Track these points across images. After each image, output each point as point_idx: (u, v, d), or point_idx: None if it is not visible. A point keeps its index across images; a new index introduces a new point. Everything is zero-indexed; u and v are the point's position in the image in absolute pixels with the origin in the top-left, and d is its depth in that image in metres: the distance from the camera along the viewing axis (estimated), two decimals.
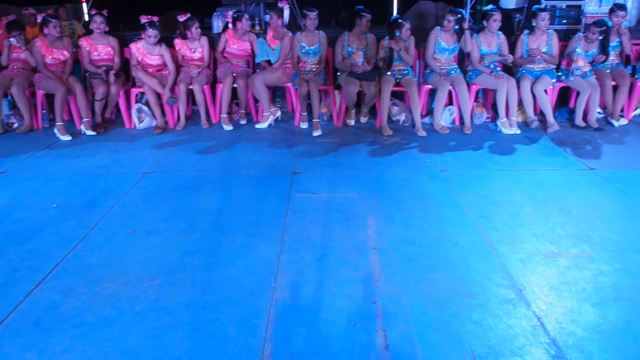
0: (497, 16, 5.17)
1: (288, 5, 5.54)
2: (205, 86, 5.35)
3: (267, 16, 5.56)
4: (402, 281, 2.54)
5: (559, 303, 2.35)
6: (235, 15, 5.44)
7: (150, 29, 5.16)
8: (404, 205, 3.43)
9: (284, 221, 3.22)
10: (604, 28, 5.08)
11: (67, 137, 5.03)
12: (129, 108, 5.47)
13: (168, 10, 8.53)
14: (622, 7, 5.42)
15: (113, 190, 3.75)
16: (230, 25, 5.55)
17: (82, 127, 5.20)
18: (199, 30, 5.38)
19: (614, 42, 5.37)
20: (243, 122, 5.54)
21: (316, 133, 5.05)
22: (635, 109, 5.62)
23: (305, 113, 5.38)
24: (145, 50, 5.29)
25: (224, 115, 5.34)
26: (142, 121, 5.39)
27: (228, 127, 5.30)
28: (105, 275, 2.63)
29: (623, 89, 5.25)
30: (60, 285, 2.54)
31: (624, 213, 3.29)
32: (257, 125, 5.37)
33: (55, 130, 5.08)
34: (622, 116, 5.37)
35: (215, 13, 6.13)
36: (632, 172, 3.99)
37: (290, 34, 5.37)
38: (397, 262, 2.72)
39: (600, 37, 5.12)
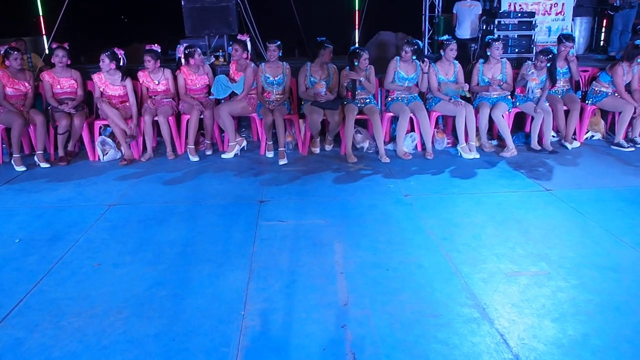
0: (453, 46, 5.39)
1: (249, 38, 5.62)
2: (170, 117, 5.37)
3: (231, 48, 5.65)
4: (369, 304, 2.59)
5: (521, 320, 2.44)
6: (187, 52, 5.44)
7: (58, 50, 5.21)
8: (369, 230, 3.50)
9: (251, 249, 3.24)
10: (550, 56, 5.36)
11: (22, 168, 5.01)
12: (92, 141, 5.43)
13: (131, 41, 8.56)
14: (570, 37, 5.74)
15: (77, 224, 3.70)
16: (183, 62, 5.54)
17: (36, 159, 5.15)
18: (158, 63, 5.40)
19: (563, 68, 5.66)
20: (209, 152, 5.56)
21: (282, 162, 5.11)
22: (587, 132, 5.89)
23: (271, 142, 5.44)
24: (108, 81, 5.30)
25: (191, 146, 5.35)
26: (107, 153, 5.35)
27: (194, 158, 5.31)
28: (71, 309, 2.59)
29: (574, 113, 5.51)
30: (24, 322, 2.49)
31: (578, 231, 3.43)
32: (223, 155, 5.40)
33: (13, 162, 5.04)
34: (574, 139, 5.62)
35: (179, 45, 6.18)
36: (586, 192, 4.17)
37: (252, 64, 5.46)
38: (364, 285, 2.78)
39: (548, 65, 5.39)
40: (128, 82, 5.33)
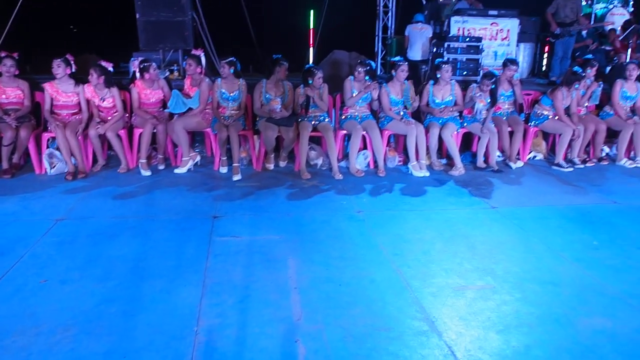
0: (404, 67, 5.56)
1: (203, 52, 5.61)
2: (121, 131, 5.29)
3: (185, 63, 5.63)
4: (322, 319, 2.62)
5: (467, 332, 2.53)
6: (141, 66, 5.39)
7: (6, 60, 5.10)
8: (322, 246, 3.55)
9: (205, 265, 3.23)
10: (493, 79, 5.62)
11: None
12: (39, 153, 5.27)
13: (81, 52, 8.39)
14: (514, 61, 6.03)
15: (22, 239, 3.58)
16: (137, 75, 5.47)
17: None
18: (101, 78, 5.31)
19: (508, 91, 5.93)
20: (161, 167, 5.50)
21: (236, 177, 5.11)
22: (530, 153, 6.17)
23: (225, 158, 5.44)
24: (60, 88, 5.18)
25: (143, 161, 5.27)
26: (54, 167, 5.20)
27: (146, 173, 5.23)
28: (15, 327, 2.50)
29: (518, 134, 5.77)
30: None
31: (521, 247, 3.60)
32: (176, 170, 5.35)
33: None
34: (518, 159, 5.87)
35: (132, 58, 6.12)
36: (528, 210, 4.37)
37: (207, 79, 5.46)
38: (317, 300, 2.81)
39: (493, 87, 5.64)
40: (81, 90, 5.24)
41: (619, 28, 8.27)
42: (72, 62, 5.25)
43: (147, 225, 3.90)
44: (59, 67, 5.13)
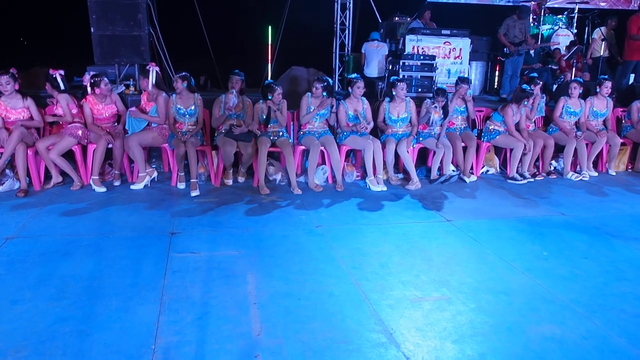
0: (360, 84, 5.67)
1: (154, 68, 5.53)
2: (76, 147, 5.18)
3: (140, 78, 5.58)
4: (282, 333, 2.63)
5: (424, 342, 2.59)
6: (92, 81, 5.30)
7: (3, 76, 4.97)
8: (282, 261, 3.56)
9: (162, 282, 3.18)
10: (444, 95, 5.80)
11: None
12: None
13: (32, 65, 8.18)
14: (466, 79, 6.25)
15: None
16: (89, 90, 5.37)
17: None
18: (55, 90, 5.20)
19: (461, 107, 6.13)
20: (117, 183, 5.40)
21: (194, 193, 5.07)
22: (482, 167, 6.37)
23: (183, 173, 5.39)
24: (8, 105, 5.03)
25: (96, 177, 5.16)
26: (3, 184, 5.03)
27: (100, 189, 5.12)
28: None
29: (471, 149, 5.96)
30: None
31: (476, 258, 3.70)
32: (132, 186, 5.27)
33: None
34: (471, 173, 6.05)
35: (86, 72, 6.00)
36: (482, 222, 4.51)
37: (164, 94, 5.41)
38: (277, 315, 2.82)
39: (445, 101, 5.83)
40: (31, 103, 5.13)
41: (564, 48, 8.68)
42: (16, 76, 5.11)
43: (102, 243, 3.82)
44: (8, 84, 4.98)
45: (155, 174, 5.48)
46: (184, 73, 5.37)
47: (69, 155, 5.29)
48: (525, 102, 6.02)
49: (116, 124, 5.49)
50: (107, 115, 5.38)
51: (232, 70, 5.63)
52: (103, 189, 5.13)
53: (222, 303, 2.94)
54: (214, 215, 4.53)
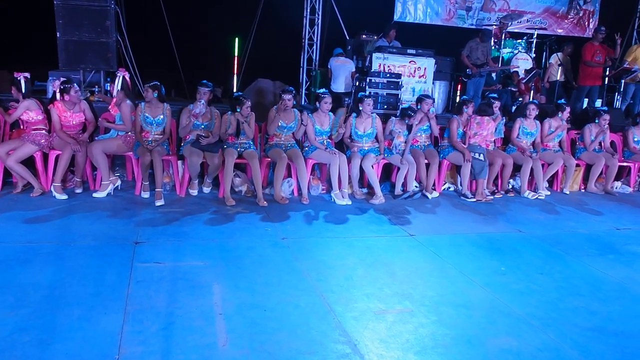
0: (328, 99, 5.77)
1: (122, 74, 5.47)
2: (37, 153, 5.07)
3: (107, 84, 5.52)
4: (248, 344, 2.65)
5: (388, 354, 2.65)
6: (62, 87, 5.20)
7: None
8: (247, 272, 3.57)
9: (126, 292, 3.15)
10: (412, 113, 5.95)
11: None
12: None
13: None
14: (429, 96, 6.43)
15: None
16: (58, 96, 5.28)
17: None
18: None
19: (424, 125, 6.29)
20: (79, 190, 5.30)
21: (159, 203, 5.03)
22: (444, 183, 6.53)
23: (147, 182, 5.34)
24: None
25: (57, 184, 5.06)
26: None
27: (62, 196, 5.02)
28: None
29: (434, 166, 6.11)
30: None
31: (437, 272, 3.80)
32: (95, 194, 5.18)
33: None
34: (434, 189, 6.20)
35: (51, 77, 5.91)
36: (443, 237, 4.63)
37: (128, 102, 5.35)
38: (243, 326, 2.83)
39: (407, 121, 5.98)
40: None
41: (523, 71, 9.02)
42: None
43: (64, 251, 3.75)
44: None
45: (118, 182, 5.40)
46: (154, 82, 5.33)
47: (28, 160, 5.17)
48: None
49: (82, 132, 5.40)
50: (74, 123, 5.29)
51: (199, 80, 5.61)
52: (64, 197, 5.03)
53: (187, 313, 2.93)
54: (179, 225, 4.50)
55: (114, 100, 5.41)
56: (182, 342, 2.62)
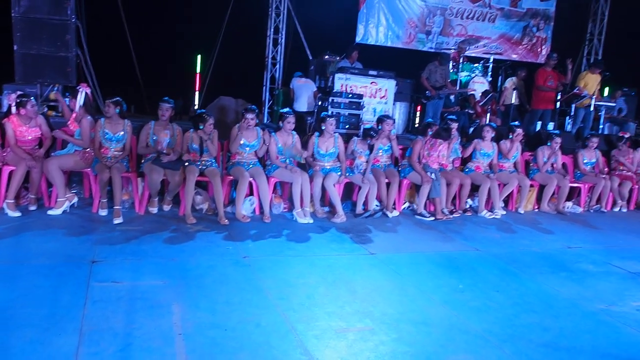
0: (291, 119, 5.81)
1: (84, 90, 5.38)
2: None
3: (67, 99, 5.42)
4: None
5: None
6: (18, 101, 5.08)
7: None
8: (208, 291, 3.54)
9: (82, 312, 3.07)
10: (374, 134, 6.06)
11: None
12: None
13: None
14: (390, 117, 6.57)
15: None
16: (13, 110, 5.13)
17: None
18: None
19: (385, 146, 6.40)
20: (33, 207, 5.14)
21: (117, 220, 4.93)
22: (405, 203, 6.64)
23: (105, 200, 5.23)
24: None
25: (10, 201, 4.90)
26: None
27: (14, 214, 4.86)
28: None
29: (394, 185, 6.21)
30: None
31: (397, 290, 3.86)
32: (49, 212, 5.03)
33: None
34: (394, 208, 6.30)
35: (6, 91, 5.75)
36: (403, 256, 4.70)
37: (89, 117, 5.26)
38: (203, 346, 2.80)
39: (369, 141, 6.09)
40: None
41: (480, 95, 9.31)
42: None
43: (16, 271, 3.63)
44: None
45: (75, 200, 5.27)
46: (117, 98, 5.27)
47: None
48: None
49: (38, 147, 5.26)
50: (30, 138, 5.15)
51: (160, 96, 5.56)
52: (17, 214, 4.88)
53: (146, 334, 2.88)
54: (138, 243, 4.42)
55: (74, 115, 5.29)
56: None
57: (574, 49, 12.07)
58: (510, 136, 6.95)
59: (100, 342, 2.75)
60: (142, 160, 5.45)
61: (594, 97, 8.89)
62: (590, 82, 8.92)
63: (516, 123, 7.39)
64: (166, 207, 5.59)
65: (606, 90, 11.26)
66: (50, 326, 2.88)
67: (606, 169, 7.66)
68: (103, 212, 5.17)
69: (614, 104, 10.03)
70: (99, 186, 5.12)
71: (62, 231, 4.58)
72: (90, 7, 7.69)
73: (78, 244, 4.30)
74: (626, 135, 7.93)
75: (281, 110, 5.97)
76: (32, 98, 5.13)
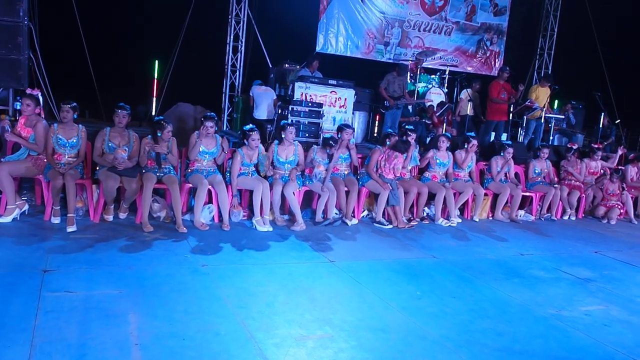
0: (255, 135, 5.68)
1: (40, 93, 5.26)
2: None
3: (19, 103, 5.24)
4: None
5: None
6: None
7: None
8: (166, 300, 3.48)
9: (33, 323, 2.97)
10: (334, 143, 6.11)
11: None
12: None
13: None
14: (349, 126, 6.64)
15: None
16: None
17: None
18: None
19: (345, 154, 6.46)
20: None
21: (70, 229, 4.78)
22: (363, 211, 6.71)
23: (58, 207, 5.07)
24: None
25: None
26: None
27: None
28: None
29: (353, 194, 6.27)
30: None
31: (356, 298, 3.89)
32: None
33: None
34: (353, 216, 6.35)
35: None
36: (362, 264, 4.75)
37: (44, 122, 5.12)
38: (161, 356, 2.75)
39: (328, 150, 6.14)
40: None
41: (436, 105, 9.54)
42: None
43: None
44: None
45: (26, 207, 5.10)
46: (74, 103, 5.14)
47: None
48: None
49: None
50: None
51: (116, 101, 5.45)
52: None
53: (101, 344, 2.81)
54: (93, 252, 4.31)
55: (24, 118, 5.10)
56: None
57: (525, 63, 12.56)
58: (466, 146, 7.14)
59: (52, 354, 2.66)
60: (97, 167, 5.32)
61: (544, 109, 9.24)
62: (541, 95, 9.27)
63: (472, 134, 7.60)
64: (122, 215, 5.47)
65: (555, 103, 11.75)
66: None
67: (556, 179, 7.96)
68: (56, 220, 5.01)
69: (562, 117, 10.45)
70: (52, 193, 4.96)
71: (12, 239, 4.42)
72: (44, 9, 7.48)
73: (29, 252, 4.15)
74: (574, 147, 8.28)
75: (244, 128, 5.88)
76: None
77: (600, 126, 10.85)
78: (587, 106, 11.56)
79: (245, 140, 5.78)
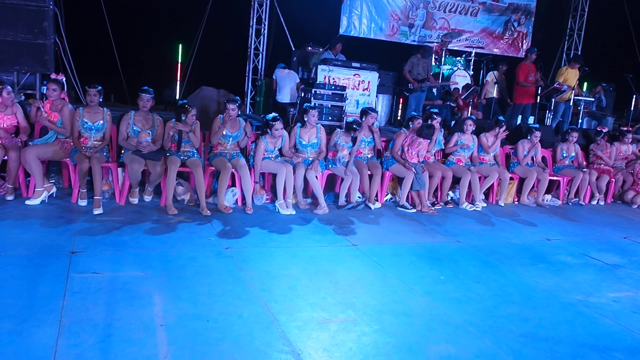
0: (278, 125, 5.66)
1: (64, 78, 5.31)
2: None
3: (45, 87, 5.31)
4: (189, 356, 2.60)
5: None
6: None
7: None
8: (190, 282, 3.51)
9: (61, 303, 3.03)
10: (358, 127, 6.06)
11: None
12: None
13: None
14: (373, 109, 6.56)
15: None
16: None
17: None
18: None
19: (368, 138, 6.41)
20: (10, 197, 5.04)
21: (97, 211, 4.86)
22: (387, 194, 6.67)
23: (85, 190, 5.15)
24: None
25: None
26: None
27: None
28: None
29: (376, 177, 6.23)
30: None
31: (379, 281, 3.88)
32: (27, 202, 4.94)
33: None
34: (376, 200, 6.32)
35: None
36: (385, 247, 4.73)
37: (70, 106, 5.18)
38: (185, 337, 2.78)
39: (352, 134, 6.09)
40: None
41: (462, 88, 9.37)
42: None
43: None
44: None
45: (54, 190, 5.19)
46: (100, 87, 5.19)
47: None
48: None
49: (14, 135, 5.15)
50: (5, 125, 5.04)
51: (140, 85, 5.48)
52: None
53: (126, 325, 2.85)
54: (119, 234, 4.37)
55: (49, 102, 5.16)
56: (121, 355, 2.55)
57: (554, 44, 12.23)
58: (497, 130, 7.00)
59: (80, 334, 2.71)
60: (122, 150, 5.37)
61: (574, 92, 9.01)
62: (570, 77, 9.03)
63: (502, 118, 7.44)
64: (147, 198, 5.53)
65: (585, 85, 11.44)
66: (28, 317, 2.84)
67: (584, 163, 7.79)
68: (83, 203, 5.10)
69: (592, 99, 10.18)
70: (79, 176, 5.04)
71: (40, 222, 4.51)
72: None
73: (57, 234, 4.23)
74: (604, 130, 8.06)
75: (267, 117, 5.86)
76: (7, 85, 5.02)
77: (632, 109, 10.53)
78: (618, 88, 11.23)
79: (268, 130, 5.74)
